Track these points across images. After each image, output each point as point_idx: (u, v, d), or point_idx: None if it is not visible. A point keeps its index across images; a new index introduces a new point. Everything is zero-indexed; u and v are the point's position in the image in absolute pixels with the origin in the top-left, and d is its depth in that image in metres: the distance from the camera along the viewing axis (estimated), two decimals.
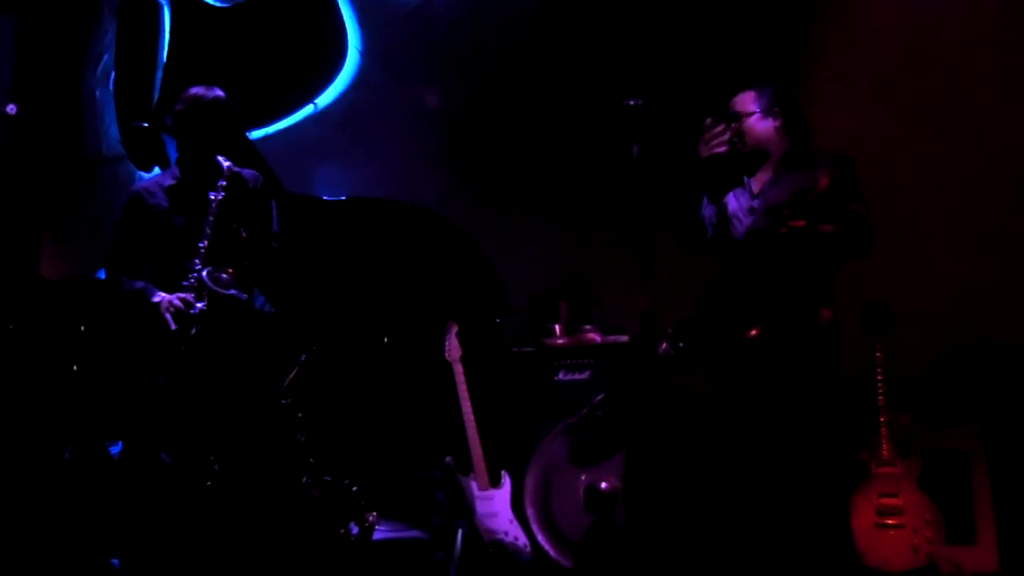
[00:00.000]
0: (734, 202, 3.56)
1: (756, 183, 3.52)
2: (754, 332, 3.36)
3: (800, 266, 3.31)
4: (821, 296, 3.36)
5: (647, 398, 3.92)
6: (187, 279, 3.38)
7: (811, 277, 3.34)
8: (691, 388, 3.94)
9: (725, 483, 3.49)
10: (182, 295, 3.36)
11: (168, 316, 3.34)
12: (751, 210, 3.47)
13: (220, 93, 3.52)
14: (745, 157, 3.51)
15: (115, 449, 4.01)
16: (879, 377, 3.94)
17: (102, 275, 4.31)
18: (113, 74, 5.21)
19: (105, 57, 5.22)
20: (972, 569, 3.86)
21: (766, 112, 3.47)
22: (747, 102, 3.48)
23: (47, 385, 4.11)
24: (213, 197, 3.42)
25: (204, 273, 3.36)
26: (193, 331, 3.33)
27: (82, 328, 4.20)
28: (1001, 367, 4.39)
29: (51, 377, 4.12)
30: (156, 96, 5.10)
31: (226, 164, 3.47)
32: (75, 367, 4.15)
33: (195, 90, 3.53)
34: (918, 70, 4.60)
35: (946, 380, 4.39)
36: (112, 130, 5.23)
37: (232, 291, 3.41)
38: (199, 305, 3.34)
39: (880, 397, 3.93)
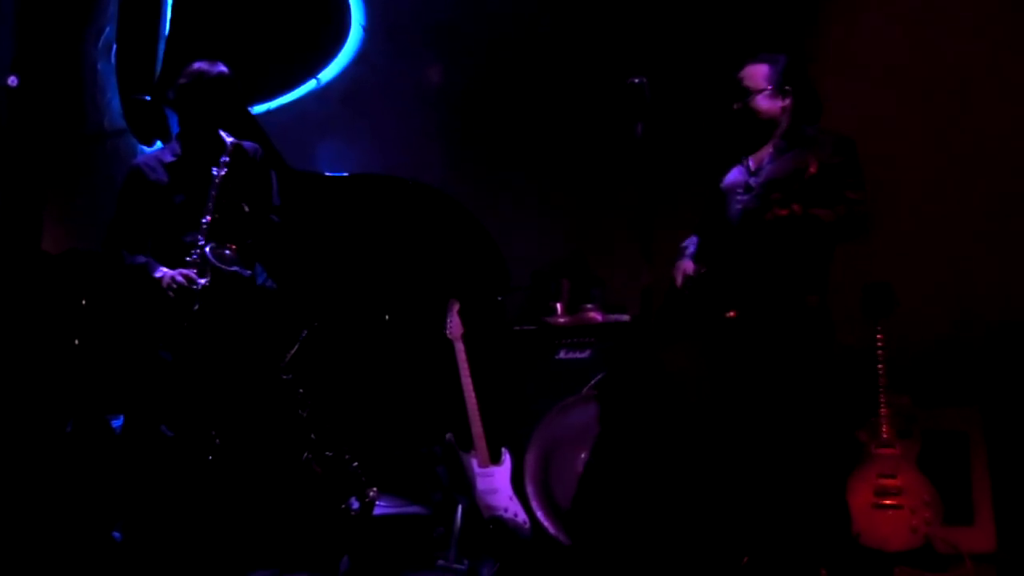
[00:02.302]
0: (731, 179, 3.53)
1: (754, 160, 3.48)
2: (732, 314, 3.35)
3: (788, 250, 3.27)
4: (809, 281, 3.32)
5: (644, 377, 3.93)
6: (190, 255, 3.38)
7: (799, 261, 3.30)
8: (685, 367, 3.95)
9: (719, 463, 3.51)
10: (184, 271, 3.37)
11: (170, 291, 3.35)
12: (747, 188, 3.43)
13: (224, 68, 3.52)
14: (747, 135, 3.47)
15: (117, 423, 4.02)
16: (879, 358, 3.94)
17: None
18: (115, 47, 5.18)
19: (107, 30, 5.19)
20: (970, 549, 3.87)
21: (777, 90, 3.39)
22: (758, 78, 3.40)
23: (49, 359, 4.11)
24: (216, 173, 3.42)
25: (207, 249, 3.36)
26: (196, 307, 3.34)
27: (83, 302, 4.20)
28: (1001, 349, 4.39)
29: (53, 351, 4.12)
30: (158, 69, 5.07)
31: (229, 139, 3.46)
32: (76, 341, 4.15)
33: (199, 65, 3.52)
34: (926, 53, 4.58)
35: (946, 361, 4.40)
36: (114, 104, 5.21)
37: (235, 268, 3.41)
38: (202, 281, 3.35)
39: (880, 378, 3.94)
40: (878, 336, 3.95)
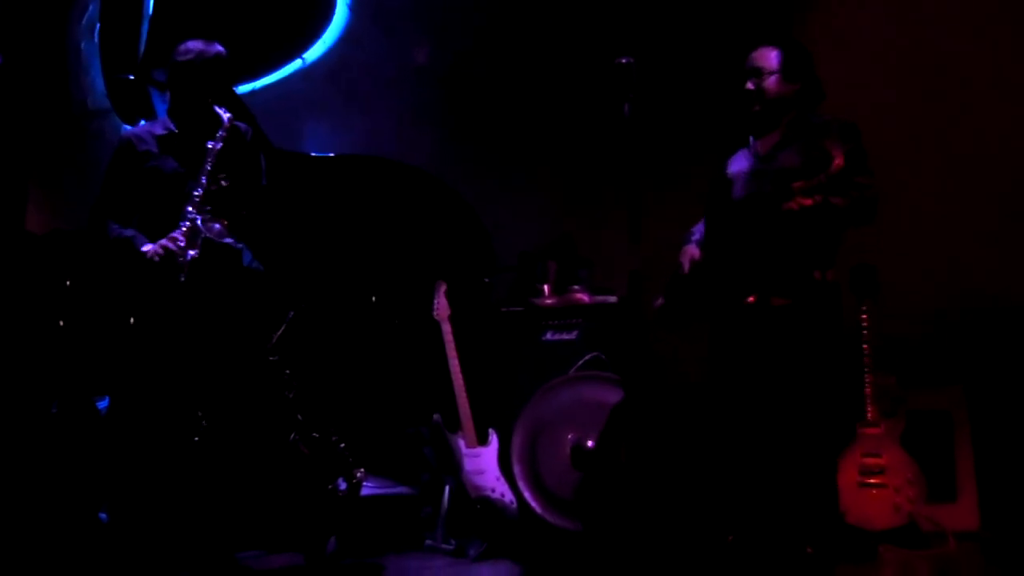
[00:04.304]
0: (737, 164, 3.54)
1: (762, 146, 3.49)
2: (751, 299, 3.37)
3: (803, 236, 3.29)
4: (822, 259, 3.35)
5: (633, 358, 3.93)
6: (179, 226, 3.35)
7: (812, 246, 3.33)
8: (679, 348, 3.96)
9: (715, 445, 3.52)
10: (173, 235, 3.33)
11: (156, 258, 3.32)
12: (756, 173, 3.45)
13: (220, 48, 3.52)
14: (756, 116, 3.47)
15: (102, 404, 4.01)
16: (865, 338, 3.96)
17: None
18: (98, 26, 5.13)
19: (90, 8, 5.14)
20: (953, 527, 3.90)
21: (788, 74, 3.41)
22: (771, 59, 3.42)
23: (33, 340, 4.09)
24: (211, 146, 3.40)
25: (199, 220, 3.34)
26: (182, 278, 3.31)
27: (68, 283, 4.17)
28: (984, 329, 4.42)
29: (37, 332, 4.10)
30: (142, 48, 5.02)
31: (226, 115, 3.45)
32: (61, 322, 4.12)
33: (195, 44, 3.50)
34: (915, 31, 4.58)
35: (930, 341, 4.42)
36: (98, 83, 5.16)
37: (226, 240, 3.39)
38: (191, 253, 3.32)
39: (865, 358, 3.96)
40: (863, 316, 3.97)
